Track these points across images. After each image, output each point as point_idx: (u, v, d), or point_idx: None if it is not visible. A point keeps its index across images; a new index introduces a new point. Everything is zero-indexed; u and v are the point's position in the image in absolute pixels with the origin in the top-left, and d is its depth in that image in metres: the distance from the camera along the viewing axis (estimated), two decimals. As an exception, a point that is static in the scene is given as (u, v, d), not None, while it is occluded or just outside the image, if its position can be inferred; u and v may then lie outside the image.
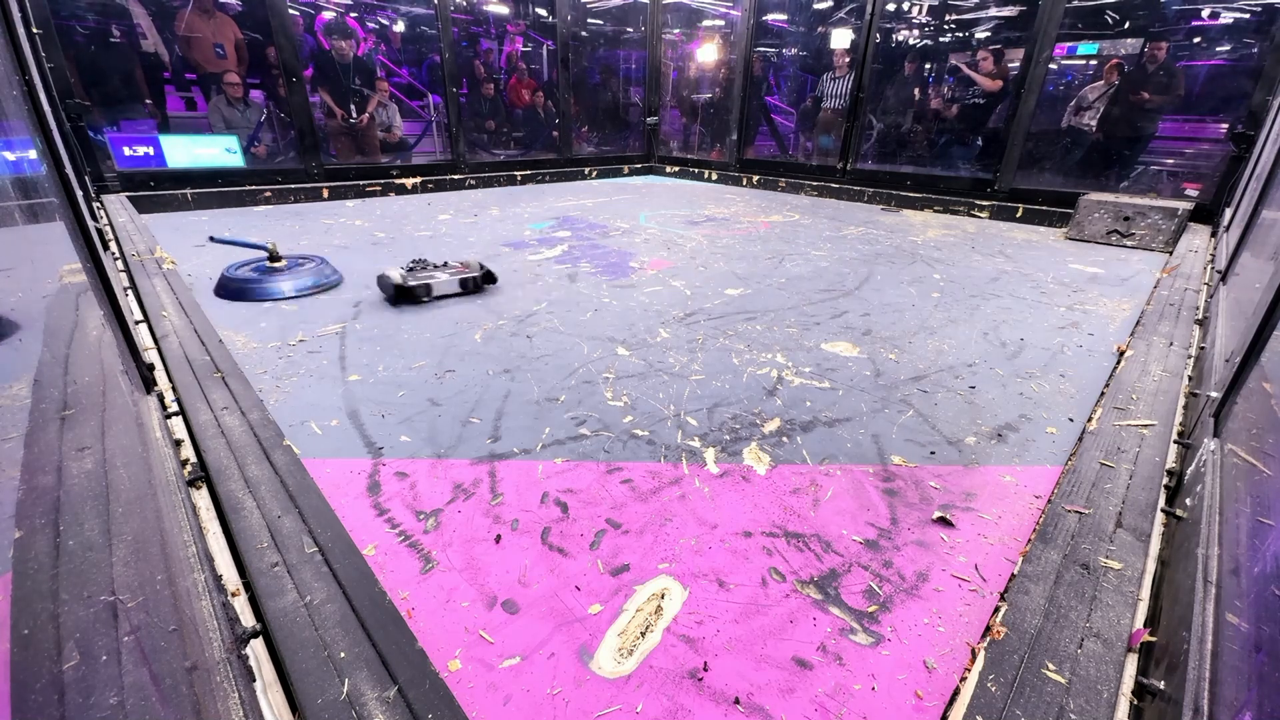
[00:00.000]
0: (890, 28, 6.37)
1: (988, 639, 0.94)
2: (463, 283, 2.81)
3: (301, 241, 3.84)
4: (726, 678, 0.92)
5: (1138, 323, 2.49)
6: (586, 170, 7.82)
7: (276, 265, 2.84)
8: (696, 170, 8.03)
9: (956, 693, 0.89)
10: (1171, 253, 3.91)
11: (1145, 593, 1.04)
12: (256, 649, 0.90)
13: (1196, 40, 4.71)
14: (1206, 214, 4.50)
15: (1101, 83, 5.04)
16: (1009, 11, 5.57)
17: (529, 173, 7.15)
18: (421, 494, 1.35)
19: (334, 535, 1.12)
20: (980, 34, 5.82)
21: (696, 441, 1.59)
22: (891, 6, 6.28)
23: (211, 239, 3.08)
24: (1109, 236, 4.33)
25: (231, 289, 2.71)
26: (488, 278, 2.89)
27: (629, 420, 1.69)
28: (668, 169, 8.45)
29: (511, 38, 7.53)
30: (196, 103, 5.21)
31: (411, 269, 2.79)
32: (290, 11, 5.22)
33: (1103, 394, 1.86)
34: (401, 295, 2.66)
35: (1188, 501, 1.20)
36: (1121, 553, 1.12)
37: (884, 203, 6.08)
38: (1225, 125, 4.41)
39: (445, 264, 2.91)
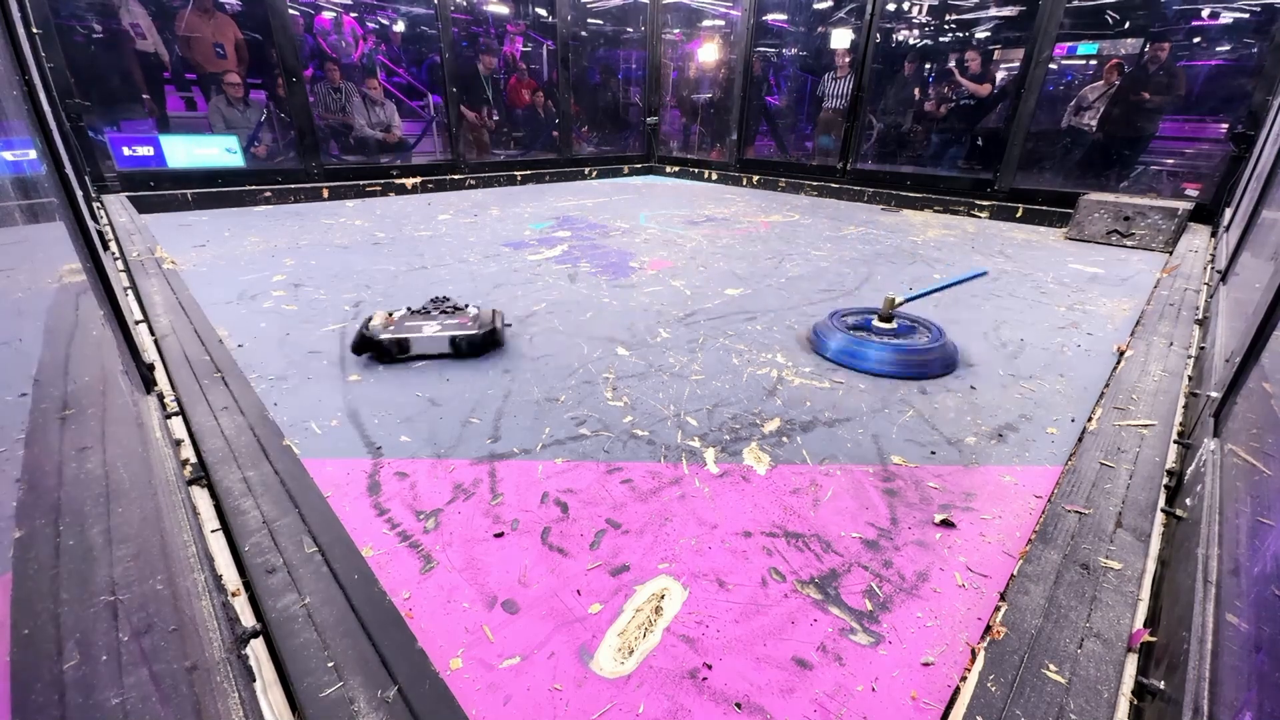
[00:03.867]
0: (890, 28, 6.37)
1: (988, 639, 0.94)
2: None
3: (302, 242, 3.84)
4: (726, 678, 0.92)
5: (1138, 323, 2.49)
6: (586, 170, 7.82)
7: (885, 325, 2.24)
8: (696, 170, 8.03)
9: (956, 693, 0.89)
10: (1171, 253, 3.91)
11: (1145, 593, 1.04)
12: (256, 649, 0.90)
13: (1196, 40, 4.71)
14: (1206, 214, 4.50)
15: (1101, 83, 5.04)
16: (1009, 11, 5.57)
17: (529, 173, 7.15)
18: (421, 494, 1.35)
19: (334, 535, 1.12)
20: (980, 34, 5.82)
21: (696, 441, 1.59)
22: (891, 6, 6.27)
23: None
24: (1109, 236, 4.33)
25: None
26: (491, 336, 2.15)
27: (629, 420, 1.69)
28: (668, 169, 8.45)
29: (511, 38, 7.53)
30: (196, 103, 5.21)
31: None
32: (290, 11, 5.22)
33: (1103, 394, 1.86)
34: None
35: (1188, 501, 1.20)
36: (1121, 553, 1.12)
37: (884, 203, 6.08)
38: (1225, 125, 4.41)
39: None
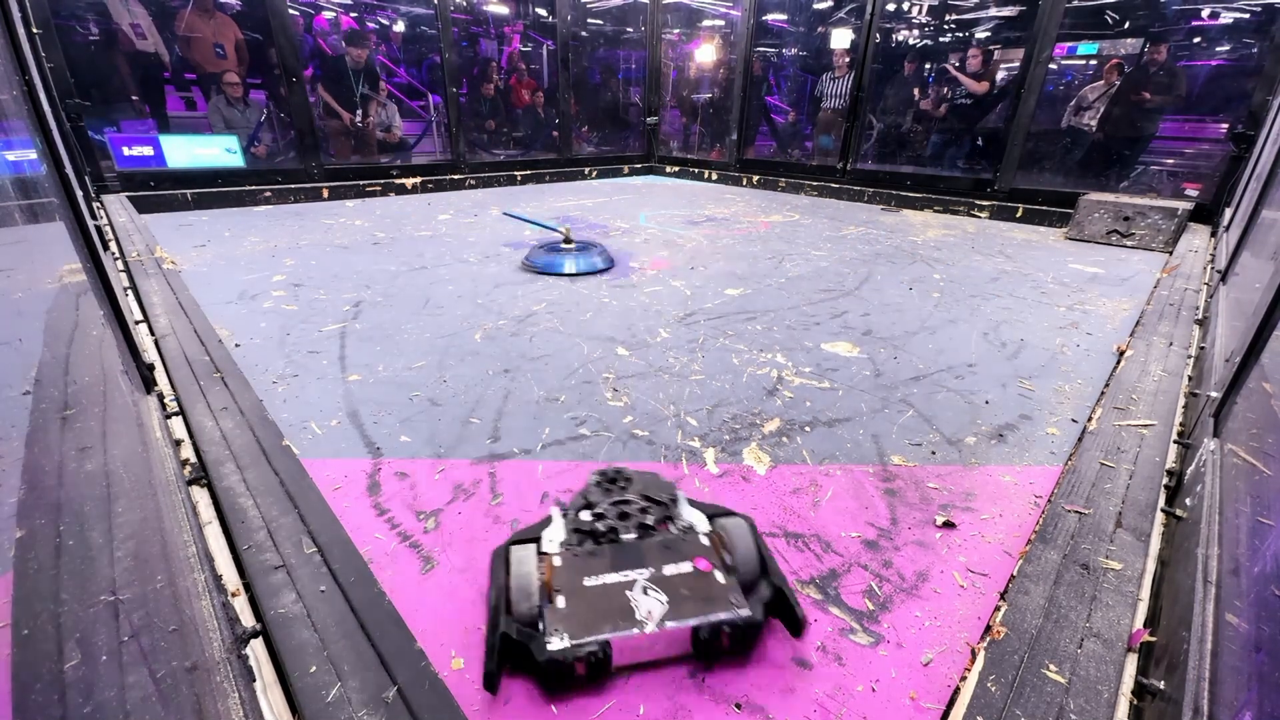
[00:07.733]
0: (890, 28, 6.37)
1: (988, 639, 0.94)
2: None
3: (302, 242, 3.84)
4: (727, 677, 0.92)
5: (1138, 323, 2.49)
6: (586, 170, 7.82)
7: (568, 246, 3.31)
8: (696, 170, 8.03)
9: (956, 693, 0.89)
10: (1171, 253, 3.91)
11: (1145, 593, 1.04)
12: (256, 649, 0.90)
13: (1196, 40, 4.71)
14: (1206, 214, 4.50)
15: (1101, 83, 5.04)
16: (1009, 11, 5.57)
17: (529, 173, 7.15)
18: (421, 494, 1.35)
19: (333, 535, 1.12)
20: (980, 34, 5.82)
21: (696, 441, 1.59)
22: (891, 6, 6.28)
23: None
24: (1109, 236, 4.33)
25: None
26: None
27: (629, 420, 1.69)
28: (668, 169, 8.45)
29: (508, 38, 7.53)
30: (196, 103, 5.21)
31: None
32: (290, 11, 5.22)
33: (1103, 394, 1.86)
34: None
35: (1188, 501, 1.20)
36: (1121, 553, 1.12)
37: (884, 203, 6.08)
38: (1225, 125, 4.41)
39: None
